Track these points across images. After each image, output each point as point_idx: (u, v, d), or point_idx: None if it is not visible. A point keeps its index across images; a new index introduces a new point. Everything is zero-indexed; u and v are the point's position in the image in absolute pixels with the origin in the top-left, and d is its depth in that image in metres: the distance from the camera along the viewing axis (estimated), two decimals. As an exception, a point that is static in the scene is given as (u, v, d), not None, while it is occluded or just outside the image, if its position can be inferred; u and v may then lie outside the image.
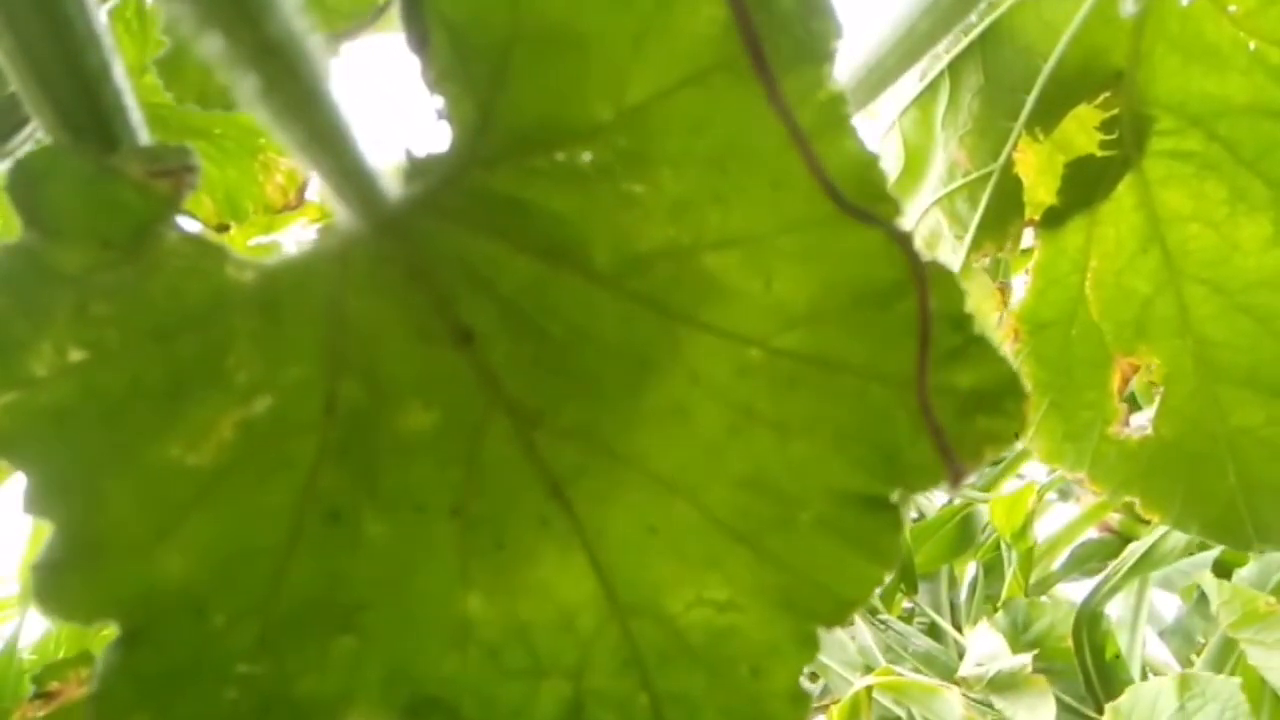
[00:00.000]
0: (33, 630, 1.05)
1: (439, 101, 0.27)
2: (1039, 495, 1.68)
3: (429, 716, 0.30)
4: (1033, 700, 1.22)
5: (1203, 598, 1.62)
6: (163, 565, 0.29)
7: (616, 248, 0.29)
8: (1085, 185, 0.63)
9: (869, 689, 1.29)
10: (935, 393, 0.30)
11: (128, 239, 0.29)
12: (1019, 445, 1.76)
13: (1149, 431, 0.64)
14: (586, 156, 0.28)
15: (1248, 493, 0.62)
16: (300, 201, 0.58)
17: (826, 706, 1.59)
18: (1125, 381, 0.66)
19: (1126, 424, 0.66)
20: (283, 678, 0.30)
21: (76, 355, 0.30)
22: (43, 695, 0.65)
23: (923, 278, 0.30)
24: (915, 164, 0.68)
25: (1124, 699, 1.17)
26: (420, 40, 0.27)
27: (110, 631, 0.30)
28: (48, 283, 0.30)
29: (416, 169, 0.28)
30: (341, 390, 0.29)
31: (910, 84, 0.66)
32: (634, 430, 0.31)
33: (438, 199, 0.28)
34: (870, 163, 0.29)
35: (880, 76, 0.52)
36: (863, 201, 0.29)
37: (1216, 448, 0.62)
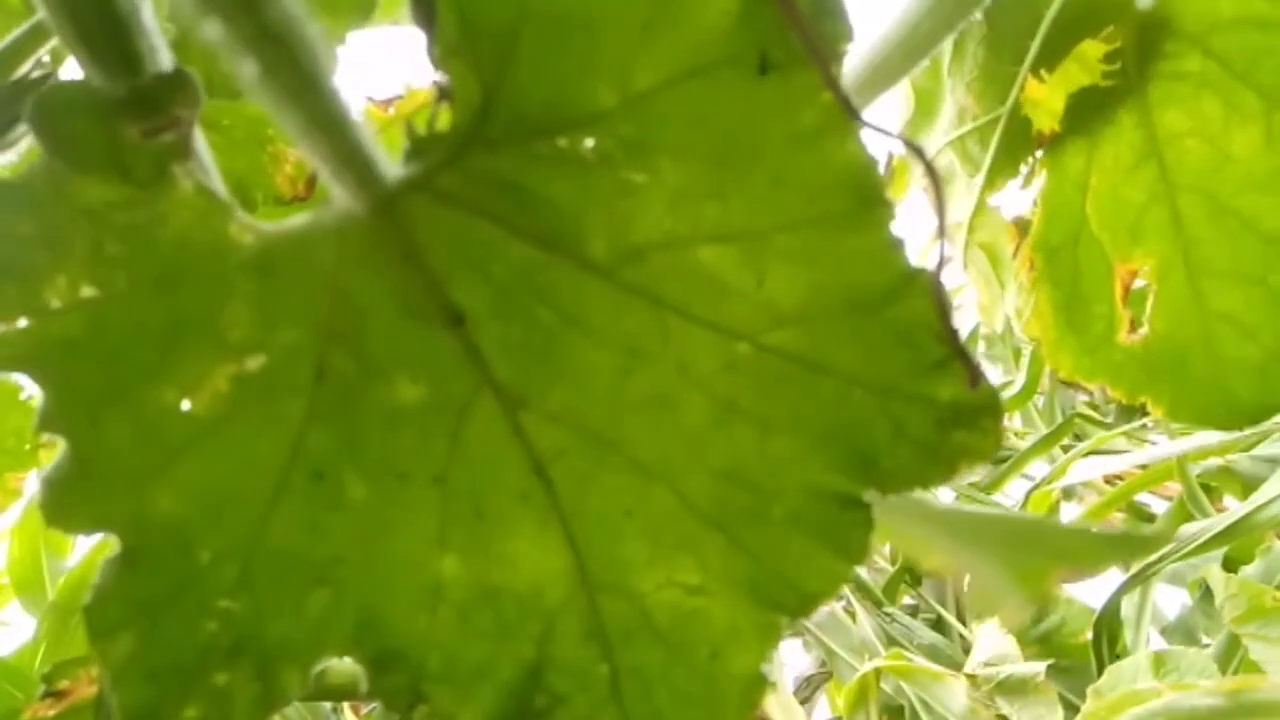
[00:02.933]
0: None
1: (443, 79, 0.27)
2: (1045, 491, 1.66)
3: (395, 667, 0.32)
4: (1040, 710, 1.22)
5: (1206, 596, 1.59)
6: (154, 500, 0.31)
7: (613, 237, 0.29)
8: (1087, 114, 0.64)
9: (877, 672, 1.28)
10: (914, 403, 0.30)
11: (147, 172, 0.30)
12: (1023, 445, 1.75)
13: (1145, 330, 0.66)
14: (588, 143, 0.28)
15: (1222, 372, 0.63)
16: (309, 193, 0.58)
17: (827, 676, 1.59)
18: (1126, 289, 0.67)
19: (1132, 330, 0.67)
20: (259, 617, 0.31)
21: (88, 292, 0.31)
22: (53, 694, 0.66)
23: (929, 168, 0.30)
24: (925, 108, 0.69)
25: (1104, 680, 1.17)
26: (427, 15, 0.26)
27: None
28: (69, 215, 0.31)
29: (417, 148, 0.28)
30: (332, 359, 0.30)
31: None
32: (619, 416, 0.31)
33: (436, 180, 0.28)
34: (869, 167, 0.28)
35: (883, 76, 0.51)
36: (859, 205, 0.29)
37: (1200, 333, 0.64)
